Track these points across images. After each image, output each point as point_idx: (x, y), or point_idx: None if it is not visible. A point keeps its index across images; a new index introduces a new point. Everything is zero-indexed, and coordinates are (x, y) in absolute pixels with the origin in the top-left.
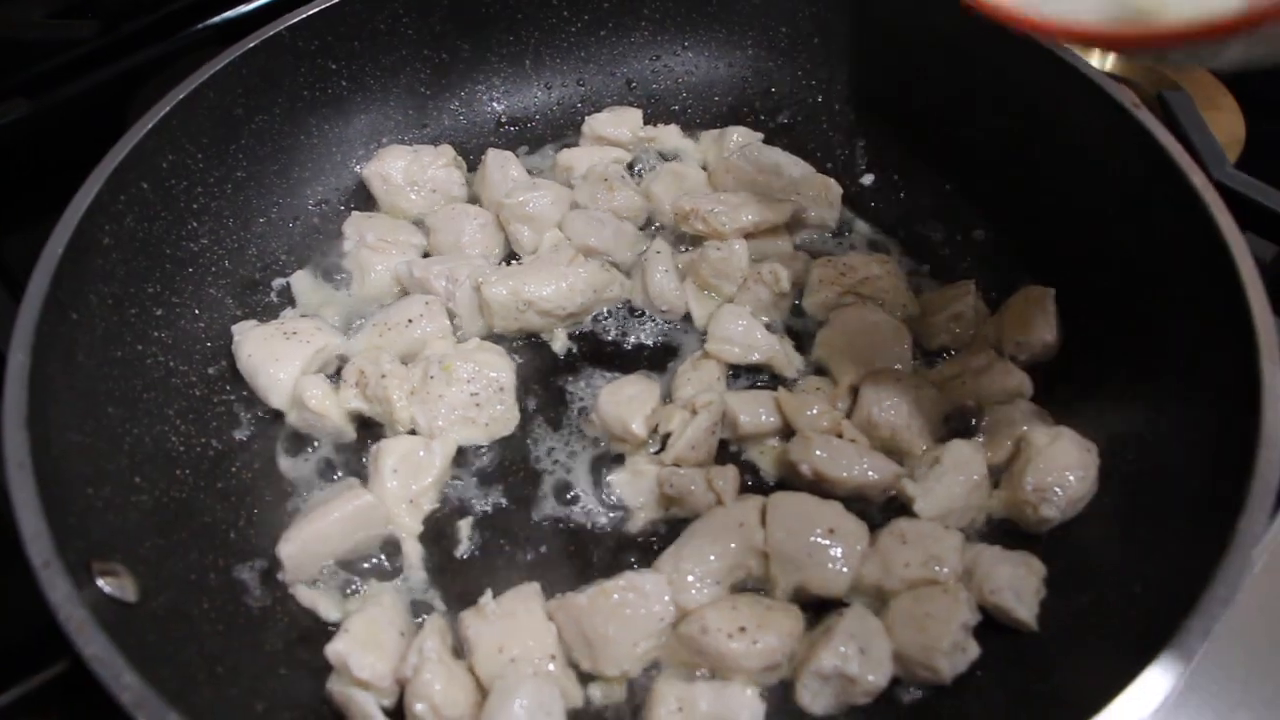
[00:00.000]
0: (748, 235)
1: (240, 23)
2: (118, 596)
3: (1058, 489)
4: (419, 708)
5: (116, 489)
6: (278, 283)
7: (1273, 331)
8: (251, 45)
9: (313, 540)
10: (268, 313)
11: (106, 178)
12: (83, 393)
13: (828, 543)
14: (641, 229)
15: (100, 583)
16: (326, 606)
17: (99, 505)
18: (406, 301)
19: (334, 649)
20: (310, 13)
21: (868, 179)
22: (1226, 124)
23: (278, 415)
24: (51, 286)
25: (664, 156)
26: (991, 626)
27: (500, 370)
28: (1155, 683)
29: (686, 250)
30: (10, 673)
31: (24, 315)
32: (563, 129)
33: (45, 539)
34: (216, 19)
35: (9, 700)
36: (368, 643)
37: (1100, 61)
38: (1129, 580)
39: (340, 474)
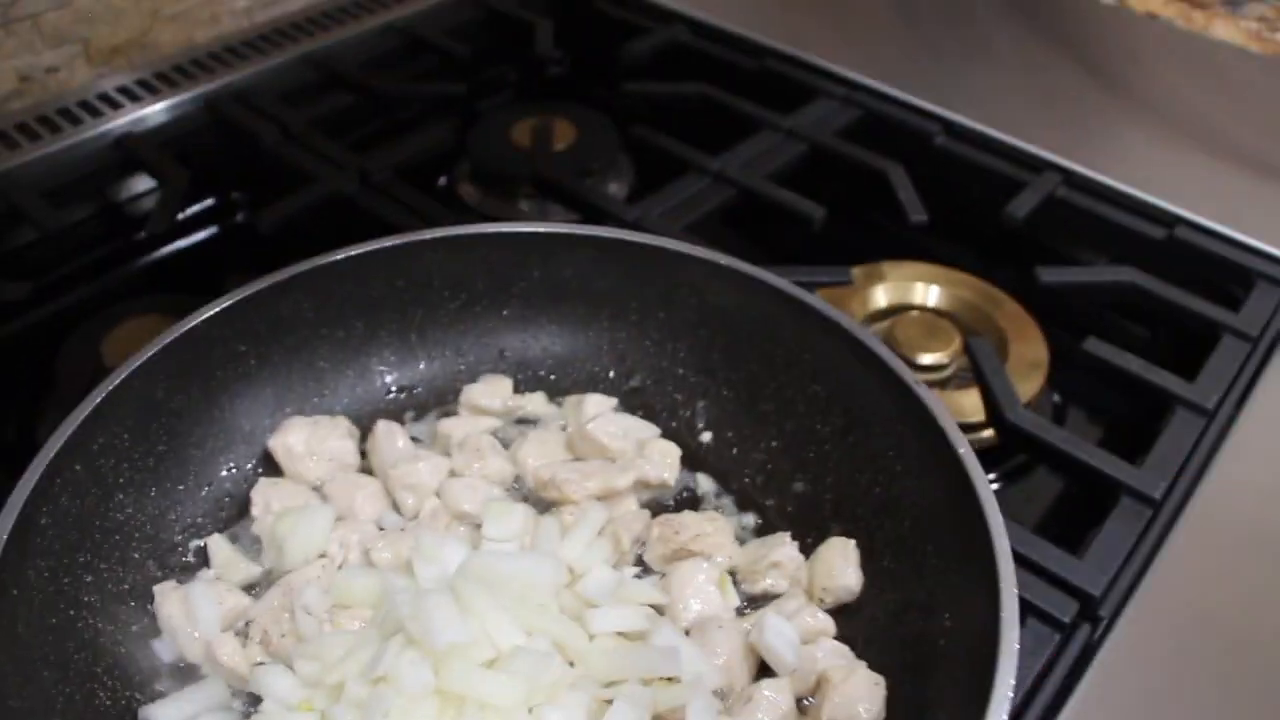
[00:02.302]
0: (598, 498)
1: (165, 262)
2: None
3: (851, 718)
4: None
5: None
6: (194, 544)
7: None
8: (170, 339)
9: None
10: (185, 572)
11: (46, 464)
12: (22, 661)
13: None
14: (507, 492)
15: None
16: None
17: None
18: (305, 569)
19: None
20: (224, 305)
21: (705, 436)
22: (1031, 352)
23: (193, 668)
24: None
25: (531, 422)
26: None
27: None
28: None
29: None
30: None
31: None
32: (444, 395)
33: None
34: (139, 263)
35: None
36: None
37: (924, 296)
38: None
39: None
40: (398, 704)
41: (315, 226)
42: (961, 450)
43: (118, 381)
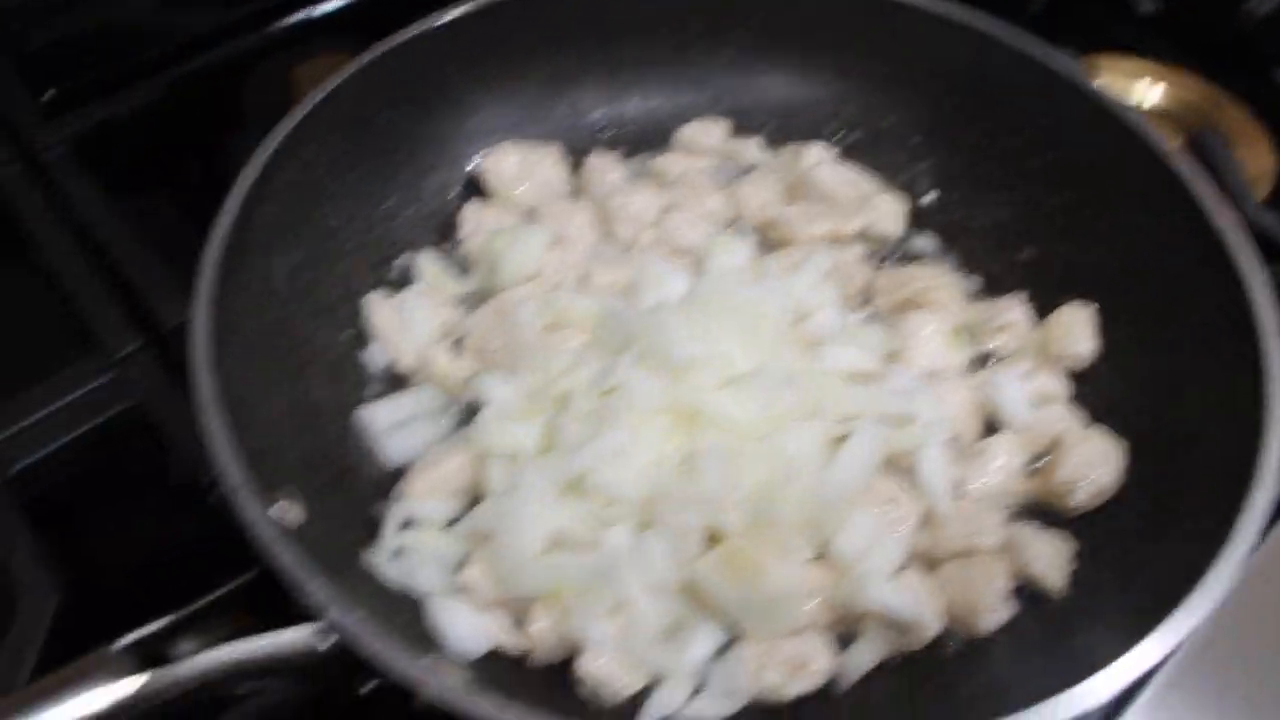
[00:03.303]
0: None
1: (341, 13)
2: (286, 523)
3: (1086, 479)
4: None
5: (274, 435)
6: (400, 261)
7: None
8: (384, 51)
9: (438, 481)
10: (392, 287)
11: (264, 161)
12: (244, 349)
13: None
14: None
15: (275, 509)
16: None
17: (262, 447)
18: (518, 288)
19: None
20: (437, 23)
21: (928, 198)
22: (1259, 161)
23: (401, 377)
24: (223, 254)
25: (746, 167)
26: (1025, 592)
27: None
28: (1156, 648)
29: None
30: (196, 584)
31: (202, 277)
32: (654, 137)
33: (235, 466)
34: (319, 10)
35: (201, 606)
36: None
37: (1145, 95)
38: (1144, 561)
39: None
40: (629, 417)
41: None
42: (1223, 225)
43: (332, 87)
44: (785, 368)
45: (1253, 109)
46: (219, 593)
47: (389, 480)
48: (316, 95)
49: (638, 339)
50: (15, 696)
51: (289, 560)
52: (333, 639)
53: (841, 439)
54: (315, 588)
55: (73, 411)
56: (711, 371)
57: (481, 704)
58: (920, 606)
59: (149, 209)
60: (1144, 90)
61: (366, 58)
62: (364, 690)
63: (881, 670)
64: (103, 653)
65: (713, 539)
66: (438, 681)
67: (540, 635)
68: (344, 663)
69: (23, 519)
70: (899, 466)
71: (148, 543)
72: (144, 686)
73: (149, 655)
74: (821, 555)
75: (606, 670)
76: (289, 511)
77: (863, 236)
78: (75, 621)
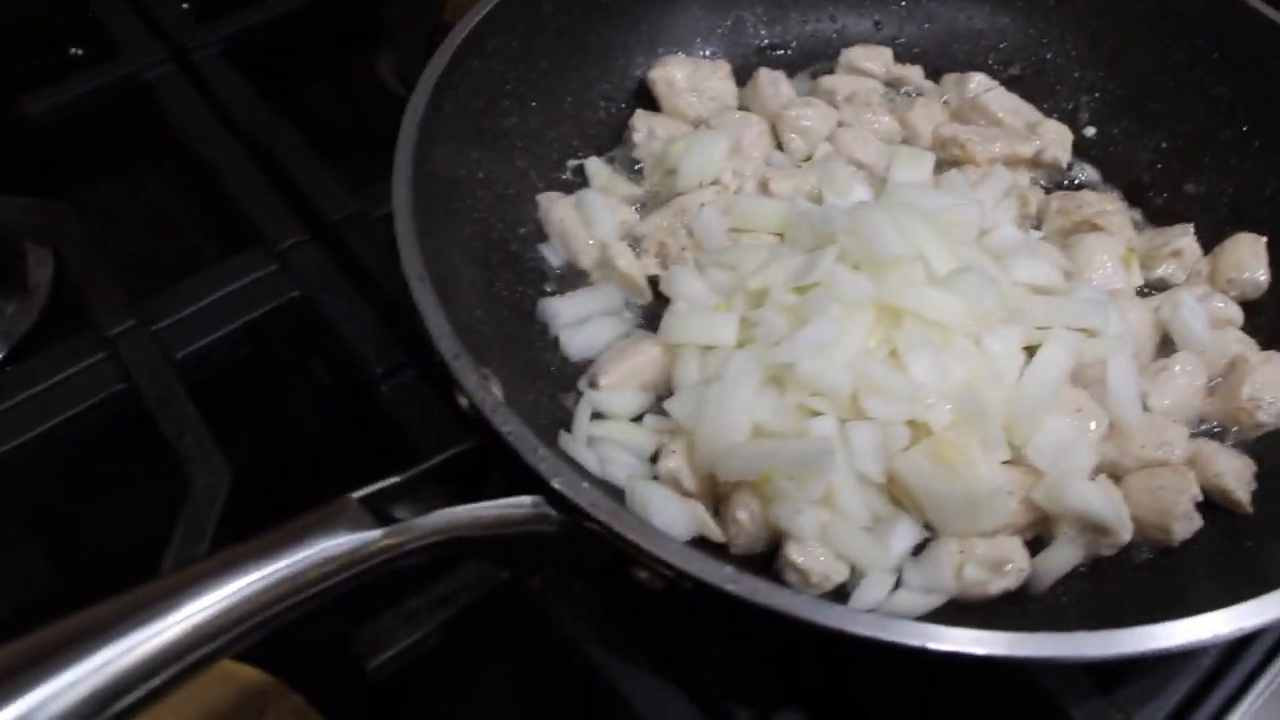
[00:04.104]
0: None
1: None
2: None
3: (1271, 399)
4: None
5: (468, 317)
6: (571, 164)
7: None
8: None
9: (627, 373)
10: (565, 188)
11: (450, 55)
12: (433, 233)
13: (1076, 421)
14: None
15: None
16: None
17: (459, 327)
18: (698, 192)
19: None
20: None
21: (1090, 131)
22: None
23: (579, 274)
24: (417, 136)
25: (910, 93)
26: (1211, 506)
27: None
28: None
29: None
30: (422, 446)
31: (400, 158)
32: (815, 59)
33: (451, 337)
34: None
35: (423, 469)
36: None
37: None
38: None
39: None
40: (833, 311)
41: None
42: None
43: None
44: (985, 271)
45: None
46: (437, 459)
47: (574, 372)
48: None
49: (838, 237)
50: (262, 539)
51: (513, 427)
52: (558, 510)
53: (1033, 347)
54: (543, 455)
55: (239, 299)
56: (914, 270)
57: (743, 580)
58: (1118, 508)
59: (298, 110)
60: None
61: None
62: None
63: (1073, 575)
64: (343, 500)
65: (917, 433)
66: (677, 549)
67: (744, 523)
68: (572, 534)
69: (192, 402)
70: (1085, 378)
71: (309, 432)
72: (384, 536)
73: (382, 512)
74: (1016, 459)
75: (812, 560)
76: (494, 387)
77: (1033, 162)
78: (241, 504)
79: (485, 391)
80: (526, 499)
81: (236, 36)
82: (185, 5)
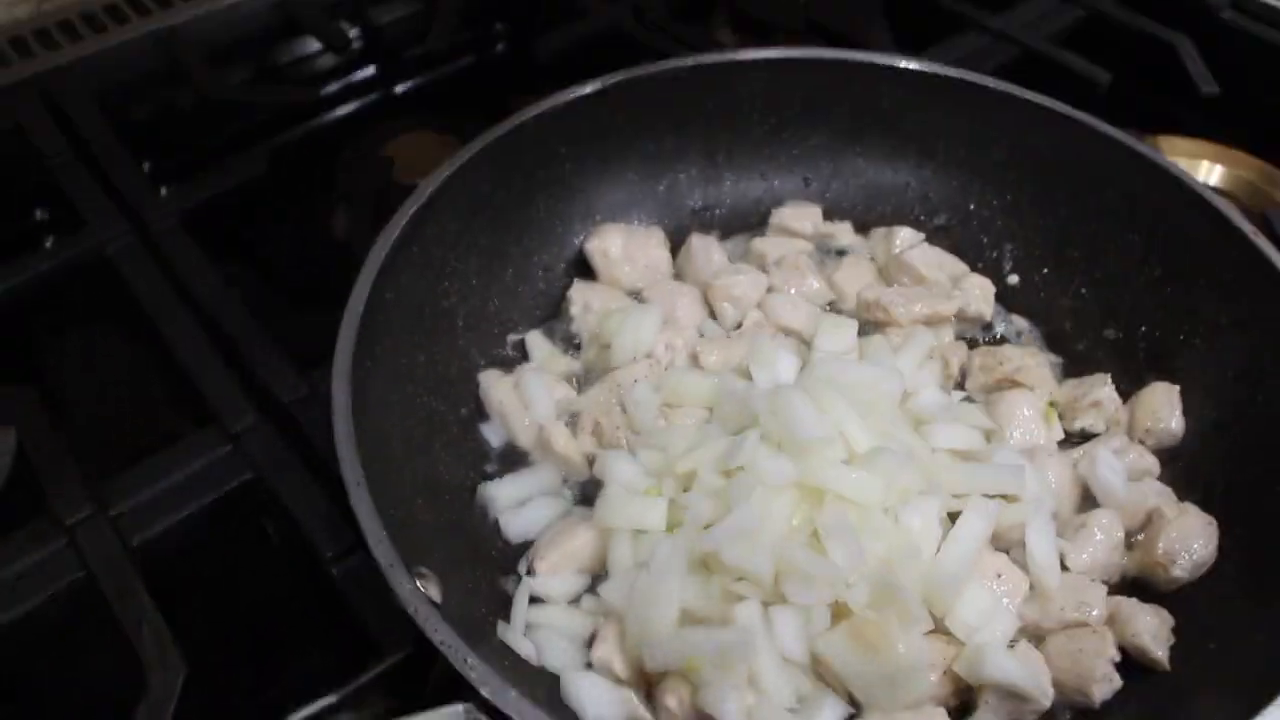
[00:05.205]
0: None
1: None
2: (430, 598)
3: (1185, 553)
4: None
5: (407, 511)
6: (512, 338)
7: None
8: (501, 133)
9: (563, 559)
10: (505, 364)
11: (392, 242)
12: (377, 426)
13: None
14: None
15: (418, 584)
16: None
17: (398, 522)
18: (631, 366)
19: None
20: (554, 104)
21: (1013, 279)
22: None
23: (520, 453)
24: (358, 330)
25: (839, 251)
26: (1130, 664)
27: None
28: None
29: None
30: (353, 663)
31: (340, 355)
32: (746, 216)
33: (386, 544)
34: (401, 87)
35: (357, 687)
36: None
37: (1206, 176)
38: (1245, 633)
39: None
40: (758, 493)
41: (584, 57)
42: None
43: (452, 170)
44: (903, 445)
45: None
46: (374, 672)
47: (516, 554)
48: (436, 179)
49: (761, 418)
50: None
51: (445, 636)
52: (491, 715)
53: (952, 515)
54: (473, 664)
55: (194, 482)
56: (834, 450)
57: None
58: (1038, 676)
59: (252, 279)
60: (1205, 171)
61: (483, 140)
62: None
63: None
64: None
65: (839, 613)
66: None
67: (674, 710)
68: None
69: (148, 591)
70: (1004, 540)
71: (267, 615)
72: None
73: None
74: (937, 629)
75: None
76: (430, 588)
77: (956, 318)
78: (200, 695)
79: (419, 600)
80: (459, 707)
81: (196, 207)
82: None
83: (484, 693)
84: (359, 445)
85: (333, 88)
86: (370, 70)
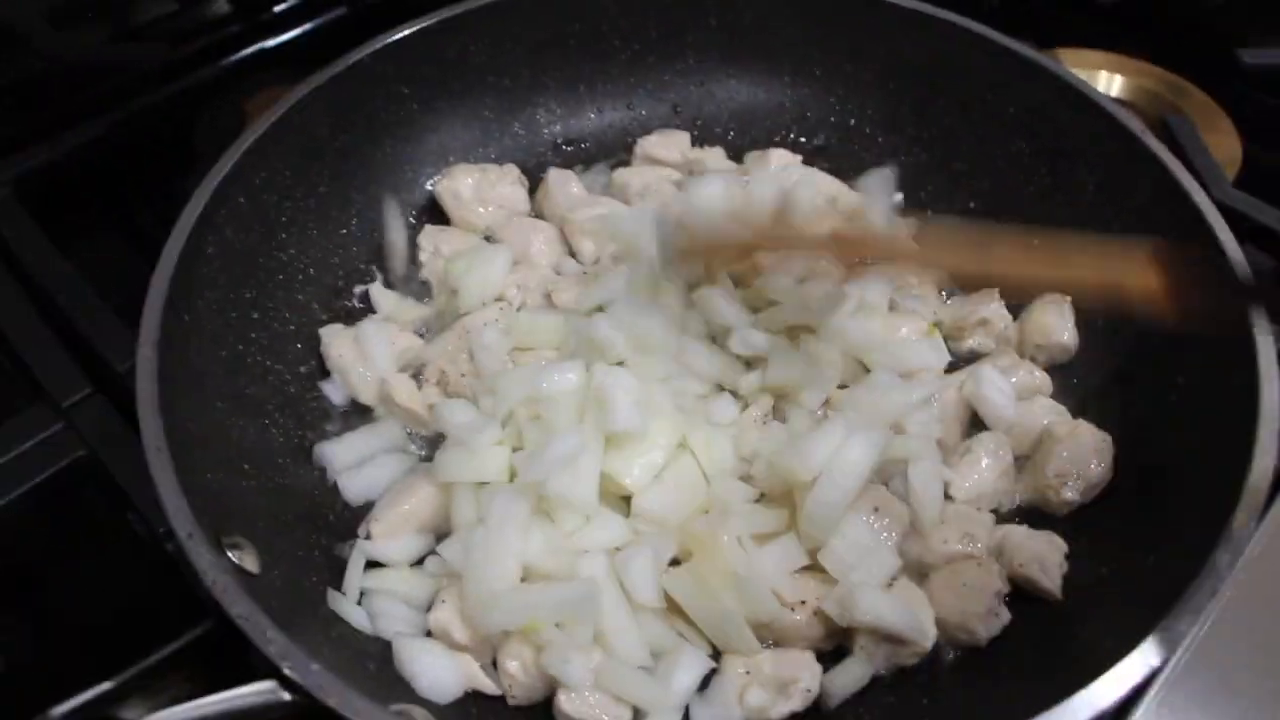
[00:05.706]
0: None
1: (295, 43)
2: (243, 568)
3: (1077, 474)
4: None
5: (230, 475)
6: (358, 289)
7: (1270, 342)
8: (336, 72)
9: (401, 520)
10: (350, 317)
11: (211, 192)
12: (196, 387)
13: (874, 521)
14: None
15: (229, 555)
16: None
17: (217, 488)
18: (481, 311)
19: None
20: (388, 41)
21: (896, 197)
22: (1224, 146)
23: (363, 410)
24: (169, 290)
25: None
26: (1020, 596)
27: None
28: (1160, 645)
29: None
30: (152, 638)
31: (148, 315)
32: (613, 150)
33: (186, 513)
34: (273, 41)
35: (152, 663)
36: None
37: (1106, 86)
38: (1140, 555)
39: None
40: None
41: None
42: (1200, 201)
43: (281, 112)
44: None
45: (1215, 95)
46: (167, 650)
47: (353, 519)
48: (264, 122)
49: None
50: None
51: (244, 610)
52: (291, 693)
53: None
54: (272, 638)
55: (22, 463)
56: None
57: None
58: (914, 618)
59: (96, 251)
60: (1105, 82)
61: (315, 80)
62: None
63: (875, 686)
64: None
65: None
66: None
67: (516, 674)
68: (316, 713)
69: None
70: (882, 474)
71: (104, 597)
72: None
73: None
74: (812, 565)
75: (586, 709)
76: (245, 558)
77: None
78: (27, 680)
79: (218, 572)
80: (264, 685)
81: (29, 175)
82: None
83: (285, 668)
84: (165, 410)
85: (196, 46)
86: (236, 27)
